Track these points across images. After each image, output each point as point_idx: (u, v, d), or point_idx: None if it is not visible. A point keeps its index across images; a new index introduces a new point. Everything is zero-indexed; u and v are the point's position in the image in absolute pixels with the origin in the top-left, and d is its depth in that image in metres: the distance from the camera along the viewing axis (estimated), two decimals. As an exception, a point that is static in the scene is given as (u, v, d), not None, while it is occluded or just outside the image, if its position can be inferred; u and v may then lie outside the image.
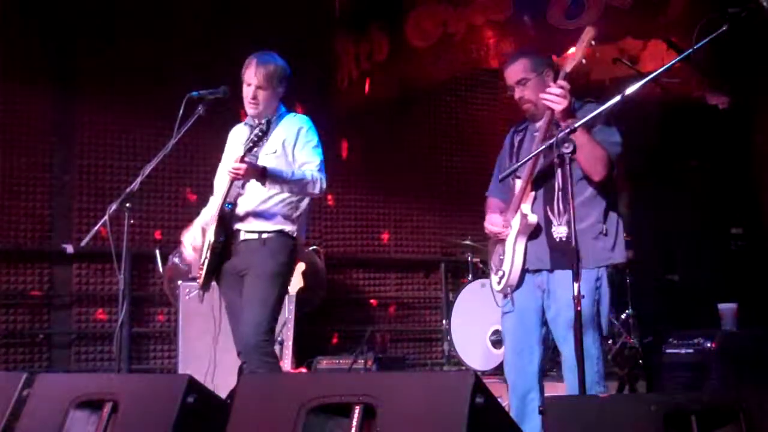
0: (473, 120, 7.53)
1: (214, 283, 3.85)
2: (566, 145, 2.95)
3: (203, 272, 3.75)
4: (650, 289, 6.25)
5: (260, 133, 3.50)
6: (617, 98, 2.99)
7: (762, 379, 4.29)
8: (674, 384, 4.50)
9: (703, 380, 4.34)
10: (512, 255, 3.37)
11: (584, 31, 3.24)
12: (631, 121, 6.54)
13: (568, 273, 3.19)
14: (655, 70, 3.06)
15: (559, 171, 3.30)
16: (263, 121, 3.55)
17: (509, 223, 3.40)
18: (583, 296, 2.94)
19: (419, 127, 7.42)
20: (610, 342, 5.63)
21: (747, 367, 4.39)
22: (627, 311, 5.73)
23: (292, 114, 3.91)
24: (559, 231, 3.31)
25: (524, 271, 3.39)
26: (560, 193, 3.31)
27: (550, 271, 3.35)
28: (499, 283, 3.45)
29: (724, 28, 2.75)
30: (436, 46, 6.06)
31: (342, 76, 6.69)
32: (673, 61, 3.02)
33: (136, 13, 6.36)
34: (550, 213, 3.34)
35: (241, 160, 3.53)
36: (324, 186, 3.76)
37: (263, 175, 3.58)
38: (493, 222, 3.48)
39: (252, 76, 3.78)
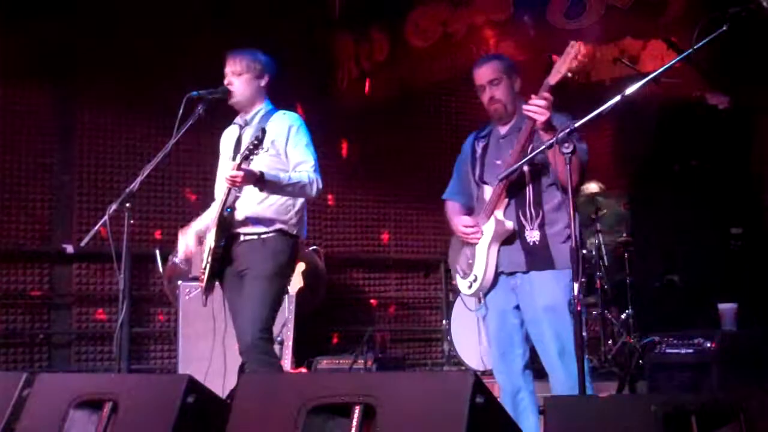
0: (473, 120, 7.51)
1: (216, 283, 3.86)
2: (566, 145, 2.96)
3: (205, 277, 3.76)
4: (650, 289, 6.25)
5: (256, 142, 3.50)
6: (617, 98, 2.99)
7: (762, 379, 4.29)
8: (674, 384, 4.49)
9: (703, 380, 4.34)
10: (486, 259, 3.42)
11: (569, 45, 3.26)
12: (631, 122, 6.56)
13: (544, 273, 3.35)
14: (655, 70, 3.05)
15: (528, 177, 3.40)
16: (258, 131, 3.55)
17: (480, 228, 3.44)
18: (582, 297, 2.95)
19: (419, 127, 7.42)
20: (609, 342, 5.63)
21: (747, 367, 4.39)
22: (627, 311, 5.73)
23: (282, 112, 3.91)
24: (533, 235, 3.39)
25: (497, 273, 3.44)
26: (532, 198, 3.40)
27: (525, 272, 3.40)
28: (470, 287, 3.50)
29: (724, 28, 2.74)
30: (436, 46, 6.07)
31: (342, 76, 6.69)
32: (673, 61, 3.01)
33: (136, 14, 6.36)
34: (522, 218, 3.41)
35: (238, 168, 3.53)
36: (320, 187, 3.77)
37: (260, 180, 3.58)
38: (465, 223, 3.51)
39: (227, 65, 3.87)
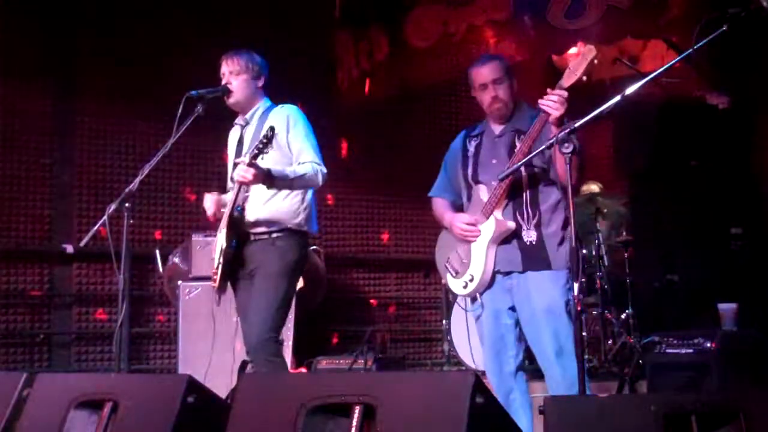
0: (473, 120, 7.49)
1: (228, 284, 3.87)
2: (566, 145, 2.97)
3: (218, 277, 3.76)
4: (650, 289, 6.24)
5: (265, 140, 3.52)
6: (617, 98, 2.99)
7: (762, 379, 4.29)
8: (674, 384, 4.49)
9: (703, 380, 4.34)
10: (484, 260, 3.42)
11: (586, 49, 3.24)
12: (631, 122, 6.55)
13: (540, 274, 3.38)
14: (655, 70, 3.06)
15: (525, 177, 3.41)
16: (267, 129, 3.55)
17: (478, 227, 3.44)
18: (582, 297, 2.94)
19: (419, 127, 7.42)
20: (610, 342, 5.63)
21: (747, 367, 4.39)
22: (627, 311, 5.73)
23: (279, 106, 3.93)
24: (530, 235, 3.42)
25: (494, 273, 3.45)
26: (528, 197, 3.42)
27: (522, 272, 3.41)
28: (465, 287, 3.50)
29: (724, 28, 2.75)
30: (436, 46, 6.07)
31: (342, 76, 6.69)
32: (673, 61, 3.01)
33: (136, 13, 6.36)
34: (519, 218, 3.43)
35: (249, 165, 3.53)
36: (325, 174, 3.78)
37: (269, 177, 3.59)
38: (464, 220, 3.50)
39: (224, 66, 3.90)
